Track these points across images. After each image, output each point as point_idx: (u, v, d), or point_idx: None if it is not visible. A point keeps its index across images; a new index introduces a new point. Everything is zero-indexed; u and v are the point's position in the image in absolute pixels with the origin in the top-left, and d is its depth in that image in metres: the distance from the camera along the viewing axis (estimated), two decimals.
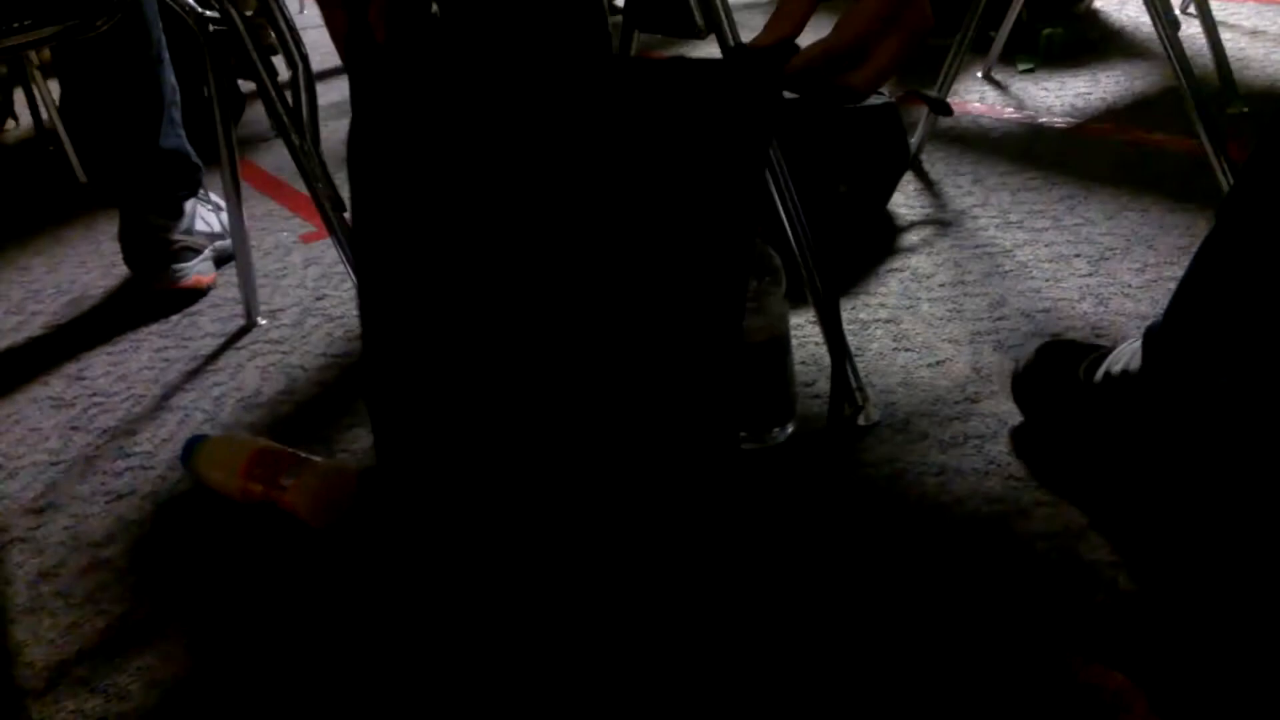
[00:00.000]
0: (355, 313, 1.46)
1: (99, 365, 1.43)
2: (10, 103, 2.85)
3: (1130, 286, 1.24)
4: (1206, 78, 1.79)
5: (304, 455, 1.04)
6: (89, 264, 1.81)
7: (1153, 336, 0.88)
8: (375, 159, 0.66)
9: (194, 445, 1.10)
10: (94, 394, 1.35)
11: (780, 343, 1.02)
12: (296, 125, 1.28)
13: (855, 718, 0.73)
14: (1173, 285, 0.87)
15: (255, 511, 1.03)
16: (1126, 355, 0.91)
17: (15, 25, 1.14)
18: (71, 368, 1.43)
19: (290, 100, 1.26)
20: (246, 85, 2.52)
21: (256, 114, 2.56)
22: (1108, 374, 0.92)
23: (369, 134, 0.67)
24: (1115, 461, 0.93)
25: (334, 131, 2.37)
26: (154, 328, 1.52)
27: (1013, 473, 0.96)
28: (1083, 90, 1.96)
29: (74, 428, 1.28)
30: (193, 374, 1.37)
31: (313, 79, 1.44)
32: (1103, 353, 0.96)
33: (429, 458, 0.70)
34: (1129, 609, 0.79)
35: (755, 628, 0.82)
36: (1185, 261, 0.86)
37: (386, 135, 0.65)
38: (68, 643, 0.91)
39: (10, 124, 2.90)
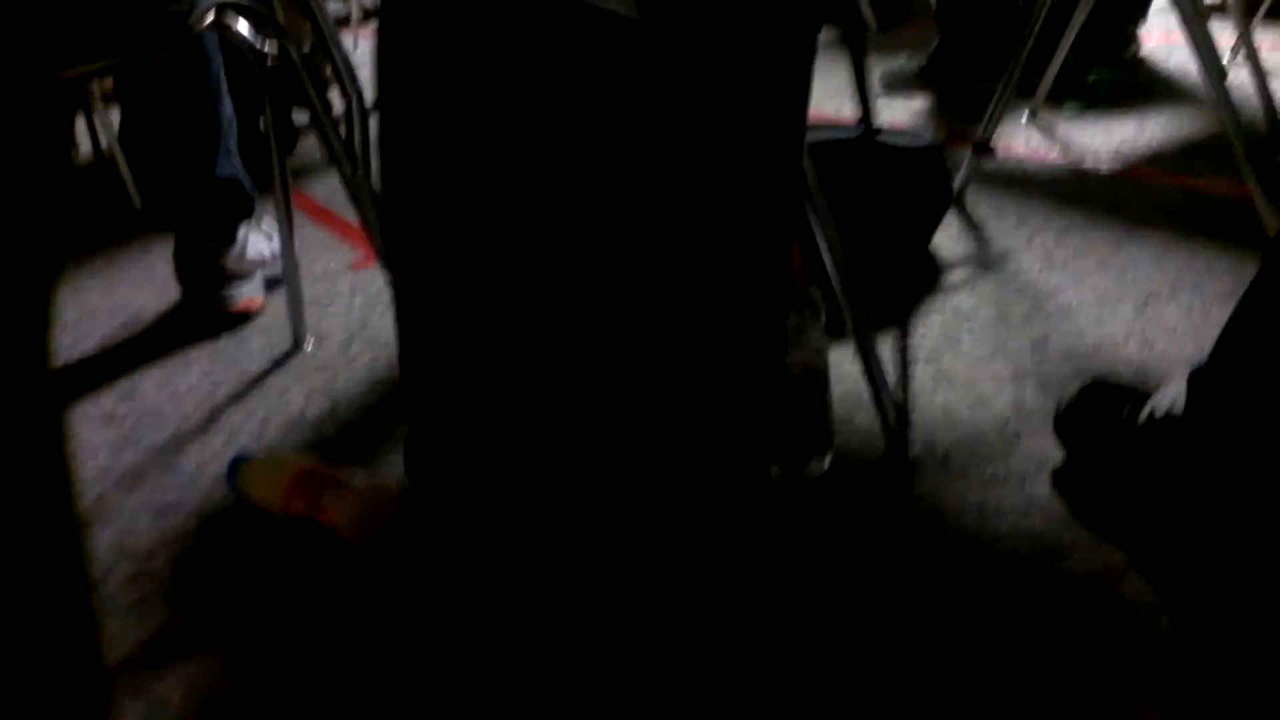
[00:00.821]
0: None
1: (149, 384, 1.46)
2: (72, 130, 2.94)
3: (1175, 330, 1.23)
4: (1255, 125, 1.78)
5: (345, 474, 1.06)
6: (143, 286, 1.85)
7: (1198, 379, 0.88)
8: (403, 78, 0.63)
9: (239, 464, 1.12)
10: (144, 412, 1.38)
11: (818, 376, 1.02)
12: (349, 156, 1.32)
13: None
14: (1218, 329, 0.87)
15: (297, 528, 1.05)
16: (1171, 397, 0.91)
17: (79, 55, 1.18)
18: (123, 385, 1.46)
19: (343, 132, 1.29)
20: (300, 117, 2.58)
21: (310, 145, 2.62)
22: (1151, 415, 0.92)
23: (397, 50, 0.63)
24: (1157, 503, 0.92)
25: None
26: (204, 349, 1.55)
27: (1053, 512, 0.95)
28: (1128, 135, 1.96)
29: (124, 443, 1.30)
30: (240, 395, 1.39)
31: (366, 112, 1.48)
32: (1147, 394, 0.95)
33: (461, 442, 0.69)
34: (1169, 650, 0.78)
35: (787, 659, 0.82)
36: (1231, 306, 0.86)
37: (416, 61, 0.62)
38: (112, 650, 0.93)
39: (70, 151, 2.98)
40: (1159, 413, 0.91)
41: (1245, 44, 1.85)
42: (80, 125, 2.75)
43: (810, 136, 1.49)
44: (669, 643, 0.80)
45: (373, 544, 1.02)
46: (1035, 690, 0.76)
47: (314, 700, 0.84)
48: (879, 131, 1.55)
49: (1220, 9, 2.32)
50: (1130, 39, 2.45)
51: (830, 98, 2.51)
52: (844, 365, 1.23)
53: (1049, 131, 2.05)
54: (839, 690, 0.78)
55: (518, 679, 0.82)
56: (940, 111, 2.30)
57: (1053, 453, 1.02)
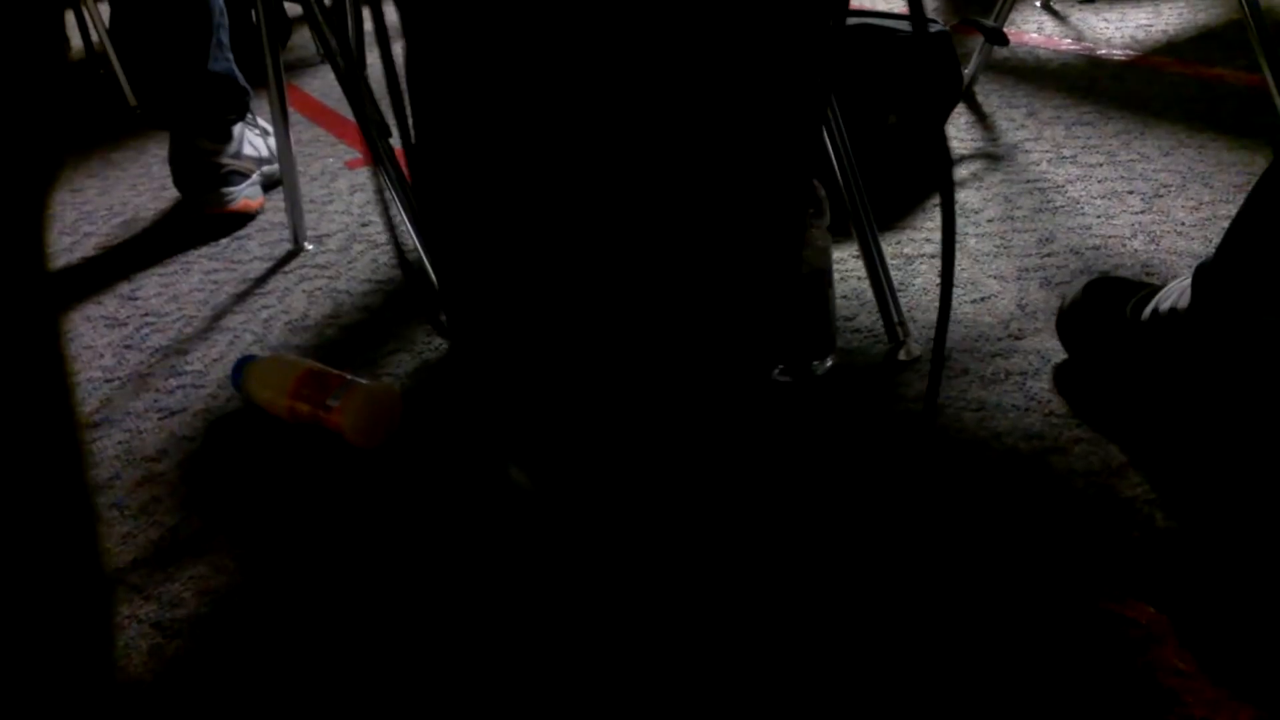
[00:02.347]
0: (399, 237, 1.47)
1: (151, 286, 1.46)
2: (62, 26, 2.87)
3: (1184, 224, 1.22)
4: (1272, 10, 1.73)
5: (350, 377, 1.06)
6: (140, 187, 1.84)
7: (1203, 274, 0.87)
8: None
9: (243, 365, 1.12)
10: (146, 314, 1.38)
11: (822, 276, 1.02)
12: (343, 50, 1.28)
13: (886, 653, 0.74)
14: (1226, 224, 0.86)
15: (301, 430, 1.06)
16: (1175, 293, 0.90)
17: None
18: (124, 288, 1.46)
19: (337, 25, 1.25)
20: (293, 9, 2.51)
21: (302, 39, 2.56)
22: (1155, 311, 0.91)
23: None
24: (1160, 399, 0.92)
25: (379, 58, 2.36)
26: (204, 250, 1.54)
27: (1053, 409, 0.95)
28: (1144, 22, 1.90)
29: (127, 346, 1.31)
30: (241, 296, 1.39)
31: (360, 4, 1.43)
32: (1151, 290, 0.94)
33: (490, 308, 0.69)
34: (1164, 545, 0.79)
35: (787, 553, 0.83)
36: (1241, 200, 0.84)
37: None
38: (122, 552, 0.94)
39: None
40: (1164, 309, 0.90)
41: None
42: (70, 20, 2.69)
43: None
44: (675, 555, 0.82)
45: (377, 446, 1.03)
46: (1028, 586, 0.77)
47: (322, 599, 0.86)
48: (877, 15, 1.50)
49: None
50: None
51: None
52: (847, 264, 1.23)
53: (1063, 19, 1.99)
54: (838, 590, 0.80)
55: (517, 584, 0.84)
56: None
57: (1056, 351, 1.02)
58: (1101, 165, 1.39)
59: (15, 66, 0.44)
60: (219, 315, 1.35)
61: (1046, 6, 2.04)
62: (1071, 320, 1.00)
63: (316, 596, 0.86)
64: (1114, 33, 1.87)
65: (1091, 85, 1.66)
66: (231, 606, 0.87)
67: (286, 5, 2.48)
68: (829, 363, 1.05)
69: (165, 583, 0.90)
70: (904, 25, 1.49)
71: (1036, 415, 0.95)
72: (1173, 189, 1.30)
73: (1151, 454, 0.88)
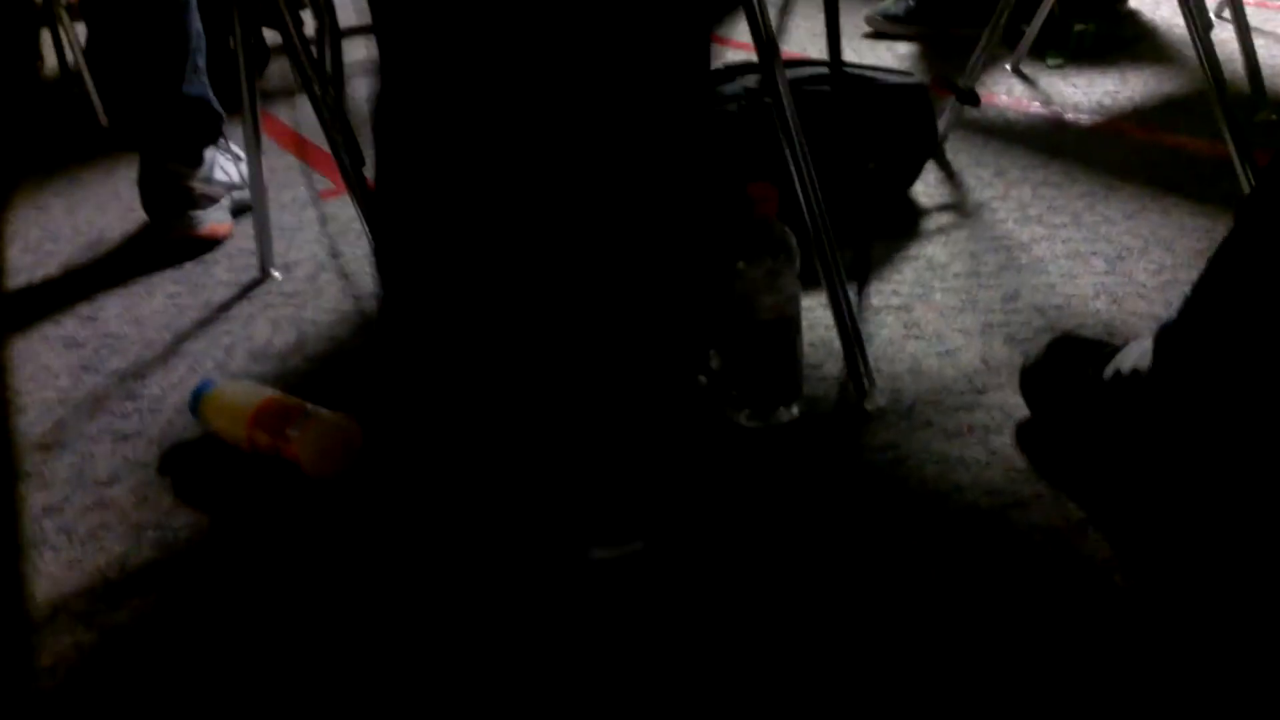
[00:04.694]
0: (368, 270, 1.46)
1: (112, 308, 1.43)
2: (37, 43, 2.85)
3: (1145, 287, 1.24)
4: (1237, 83, 1.78)
5: (310, 407, 1.05)
6: (107, 207, 1.82)
7: (1165, 336, 0.88)
8: None
9: (202, 392, 1.11)
10: (106, 335, 1.36)
11: (790, 323, 1.02)
12: (320, 79, 1.28)
13: (846, 697, 0.74)
14: (1188, 288, 0.87)
15: (259, 459, 1.04)
16: (1136, 354, 0.91)
17: None
18: (85, 309, 1.44)
19: (315, 54, 1.26)
20: (272, 37, 2.51)
21: (281, 67, 2.56)
22: (1117, 372, 0.92)
23: None
24: (1120, 459, 0.93)
25: (357, 88, 2.36)
26: (169, 274, 1.52)
27: (1015, 465, 0.96)
28: (1111, 89, 1.95)
29: (84, 368, 1.28)
30: (205, 322, 1.37)
31: (339, 34, 1.44)
32: (1113, 350, 0.95)
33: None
34: (1123, 606, 0.79)
35: (753, 605, 0.82)
36: (1202, 265, 0.86)
37: None
38: (69, 578, 0.92)
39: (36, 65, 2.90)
40: (1125, 370, 0.91)
41: (1232, 1, 1.84)
42: (46, 39, 2.67)
43: (793, 73, 1.48)
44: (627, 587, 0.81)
45: (334, 477, 1.01)
46: (988, 642, 0.77)
47: (274, 633, 0.84)
48: (859, 67, 1.52)
49: None
50: None
51: (815, 39, 2.48)
52: (815, 312, 1.23)
53: (1032, 83, 2.03)
54: (795, 631, 0.79)
55: (472, 609, 0.83)
56: (924, 57, 2.28)
57: (1018, 407, 1.03)
58: (1066, 226, 1.41)
59: None
60: (180, 340, 1.33)
61: (1016, 70, 2.09)
62: (1034, 377, 1.01)
63: (268, 631, 0.84)
64: (1081, 98, 1.91)
65: (1058, 148, 1.70)
66: (178, 639, 0.85)
67: (266, 33, 2.48)
68: (795, 410, 1.05)
69: (110, 611, 0.88)
70: (884, 75, 1.52)
71: (998, 470, 0.95)
72: (1135, 252, 1.33)
73: (1112, 514, 0.88)
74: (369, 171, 1.16)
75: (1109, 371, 0.93)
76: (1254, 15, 2.23)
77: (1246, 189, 1.37)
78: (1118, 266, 1.29)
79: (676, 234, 0.72)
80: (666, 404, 0.76)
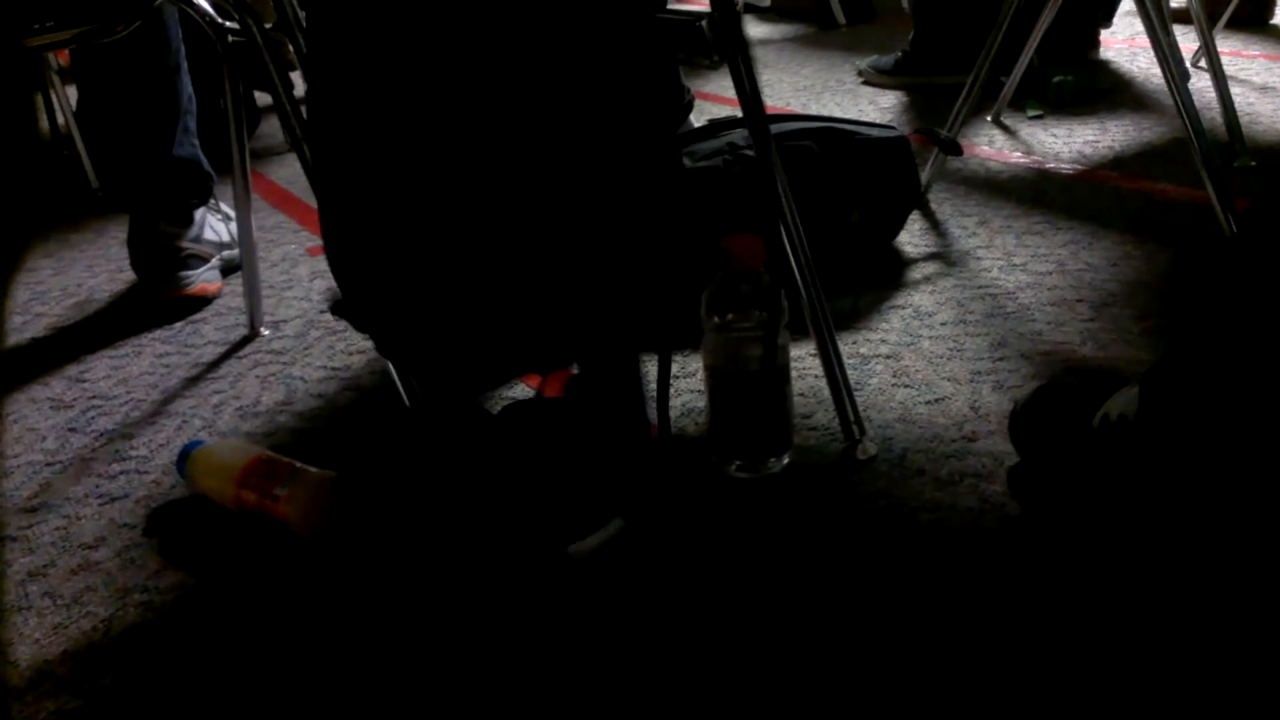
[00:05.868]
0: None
1: (100, 368, 1.43)
2: (34, 108, 2.87)
3: (1131, 333, 1.25)
4: (1215, 131, 1.80)
5: (299, 465, 1.04)
6: (96, 268, 1.82)
7: (1151, 382, 0.88)
8: None
9: (190, 451, 1.10)
10: (94, 396, 1.35)
11: (779, 373, 1.02)
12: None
13: None
14: (1173, 334, 0.88)
15: (247, 520, 1.03)
16: (1124, 400, 0.91)
17: (37, 26, 1.16)
18: (73, 370, 1.44)
19: (305, 115, 1.27)
20: (262, 98, 2.54)
21: (271, 127, 2.58)
22: (1105, 418, 0.92)
23: None
24: (1110, 506, 0.93)
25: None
26: (157, 333, 1.52)
27: (1007, 513, 0.96)
28: (1091, 138, 1.98)
29: (72, 429, 1.28)
30: (193, 381, 1.37)
31: None
32: (1101, 397, 0.96)
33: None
34: (1119, 654, 0.78)
35: (747, 656, 0.82)
36: (1186, 310, 0.86)
37: None
38: (53, 643, 0.91)
39: None
40: (1113, 416, 0.91)
41: (1208, 50, 1.87)
42: (37, 102, 2.69)
43: (777, 128, 1.50)
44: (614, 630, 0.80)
45: (322, 535, 1.00)
46: (984, 690, 0.76)
47: (261, 701, 0.83)
48: (841, 121, 1.54)
49: (1184, 16, 2.34)
50: (1093, 41, 2.47)
51: (798, 94, 2.52)
52: (804, 362, 1.24)
53: (1012, 134, 2.06)
54: (789, 681, 0.78)
55: (453, 661, 0.82)
56: (908, 109, 2.31)
57: (1008, 454, 1.03)
58: (1051, 274, 1.42)
59: None
60: (168, 399, 1.33)
61: (997, 121, 2.12)
62: (1023, 424, 1.01)
63: (255, 693, 0.83)
64: (1062, 148, 1.94)
65: (1040, 197, 1.72)
66: (164, 704, 0.83)
67: (256, 94, 2.51)
68: (785, 460, 1.05)
69: (95, 676, 0.86)
70: (865, 129, 1.54)
71: (992, 518, 0.95)
72: (1120, 298, 1.34)
73: (1105, 561, 0.88)
74: None
75: (1097, 418, 0.93)
76: (1229, 64, 2.27)
77: (1228, 234, 1.38)
78: (1103, 313, 1.30)
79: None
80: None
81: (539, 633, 0.82)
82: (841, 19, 3.25)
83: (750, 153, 1.40)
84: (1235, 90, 1.93)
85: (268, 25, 1.34)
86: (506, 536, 0.77)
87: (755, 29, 3.34)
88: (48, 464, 1.20)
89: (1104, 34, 2.52)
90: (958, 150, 1.65)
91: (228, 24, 1.34)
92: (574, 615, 0.81)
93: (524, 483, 0.75)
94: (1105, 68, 2.46)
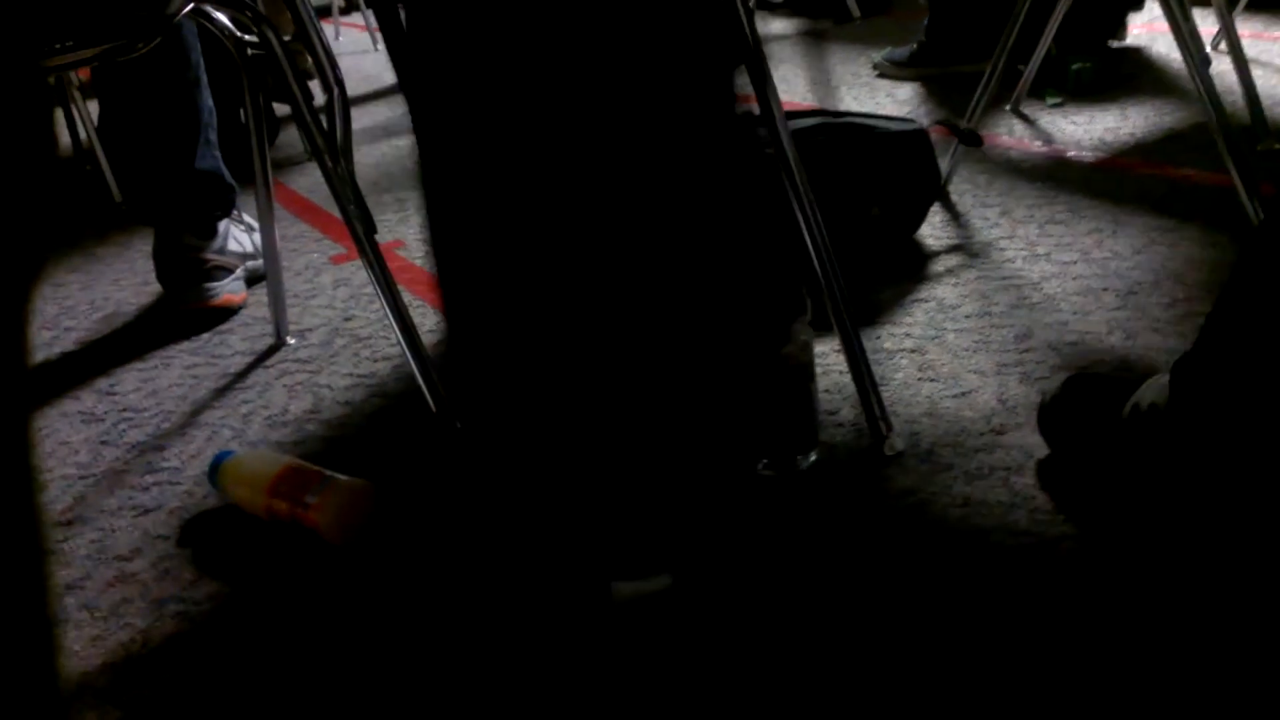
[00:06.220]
0: (382, 334, 1.47)
1: (130, 381, 1.45)
2: (51, 124, 2.90)
3: (1159, 321, 1.24)
4: (1237, 115, 1.79)
5: (329, 474, 1.05)
6: (122, 281, 1.84)
7: (1181, 371, 0.88)
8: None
9: (221, 462, 1.11)
10: (124, 409, 1.37)
11: (804, 370, 1.02)
12: (330, 149, 1.30)
13: None
14: (1202, 320, 0.87)
15: (278, 527, 1.04)
16: (1154, 390, 0.91)
17: (58, 46, 1.17)
18: (102, 383, 1.45)
19: (325, 124, 1.28)
20: (282, 109, 2.56)
21: (291, 137, 2.60)
22: (1135, 408, 0.92)
23: None
24: (1143, 496, 0.92)
25: (366, 155, 2.39)
26: (184, 345, 1.54)
27: (1039, 506, 0.95)
28: (1111, 125, 1.96)
29: (103, 442, 1.29)
30: (221, 391, 1.38)
31: (348, 104, 1.46)
32: (1130, 386, 0.95)
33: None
34: (1156, 647, 0.78)
35: (774, 653, 0.81)
36: (1214, 297, 0.86)
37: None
38: (91, 655, 0.92)
39: None
40: (1143, 405, 0.91)
41: (1228, 34, 1.85)
42: (58, 117, 2.72)
43: (795, 124, 1.49)
44: (661, 641, 0.80)
45: (354, 543, 1.01)
46: (1020, 685, 0.76)
47: (295, 703, 0.83)
48: (860, 115, 1.54)
49: None
50: (1117, 27, 2.44)
51: (815, 88, 2.51)
52: (829, 358, 1.23)
53: (1032, 123, 2.05)
54: (824, 682, 0.78)
55: (494, 676, 0.82)
56: (926, 99, 2.30)
57: (1038, 446, 1.02)
58: (1076, 263, 1.41)
59: (6, 164, 0.45)
60: (198, 410, 1.34)
61: (1016, 110, 2.10)
62: (1052, 416, 1.00)
63: (292, 702, 0.83)
64: (1082, 135, 1.93)
65: (1062, 185, 1.70)
66: (201, 713, 0.84)
67: (275, 105, 2.53)
68: (813, 457, 1.05)
69: (134, 687, 0.87)
70: (884, 123, 1.53)
71: (1022, 512, 0.94)
72: (1147, 286, 1.33)
73: (1139, 552, 0.87)
74: (379, 237, 1.17)
75: (1128, 408, 0.92)
76: (1250, 46, 2.25)
77: (1254, 219, 1.37)
78: (1130, 301, 1.29)
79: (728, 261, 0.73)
80: (714, 435, 0.77)
81: (570, 656, 0.82)
82: (856, 12, 3.24)
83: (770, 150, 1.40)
84: (1257, 73, 1.91)
85: (286, 37, 1.35)
86: (549, 560, 0.77)
87: (770, 25, 3.33)
88: (81, 477, 1.22)
89: (1133, 17, 2.49)
90: (978, 141, 1.64)
91: (246, 37, 1.35)
92: (606, 638, 0.81)
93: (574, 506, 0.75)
94: (1124, 54, 2.44)
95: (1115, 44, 2.45)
